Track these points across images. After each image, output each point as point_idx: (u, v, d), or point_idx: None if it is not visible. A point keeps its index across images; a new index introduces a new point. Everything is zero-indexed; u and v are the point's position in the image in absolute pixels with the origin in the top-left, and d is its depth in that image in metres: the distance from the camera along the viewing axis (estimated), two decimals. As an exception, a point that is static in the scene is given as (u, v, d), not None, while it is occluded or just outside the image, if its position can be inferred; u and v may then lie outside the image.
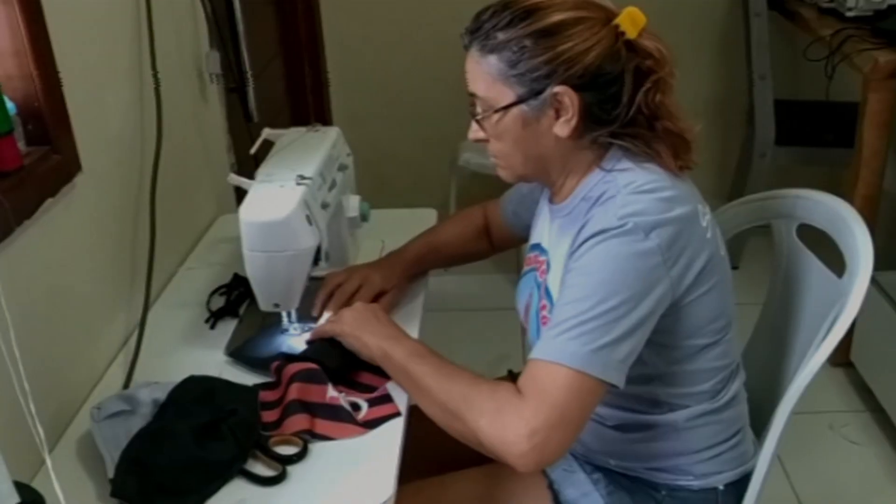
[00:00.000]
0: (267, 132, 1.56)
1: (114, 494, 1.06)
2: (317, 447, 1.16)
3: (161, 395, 1.20)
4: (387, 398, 1.25)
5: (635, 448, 1.30)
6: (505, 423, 1.07)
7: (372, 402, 1.24)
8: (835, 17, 2.61)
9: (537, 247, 1.35)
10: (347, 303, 1.41)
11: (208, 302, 1.52)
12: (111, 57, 1.42)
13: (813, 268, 1.43)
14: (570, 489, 1.33)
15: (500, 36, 1.13)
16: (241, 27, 2.03)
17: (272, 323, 1.43)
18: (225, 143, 1.96)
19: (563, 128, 1.15)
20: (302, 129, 1.58)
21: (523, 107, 1.15)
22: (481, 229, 1.60)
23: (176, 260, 1.66)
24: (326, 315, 1.41)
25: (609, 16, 1.14)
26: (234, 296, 1.53)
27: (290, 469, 1.12)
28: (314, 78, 3.05)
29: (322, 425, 1.19)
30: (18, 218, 1.09)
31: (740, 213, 1.54)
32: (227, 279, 1.59)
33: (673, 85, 1.17)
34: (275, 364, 1.29)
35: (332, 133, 1.57)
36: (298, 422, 1.18)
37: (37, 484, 1.05)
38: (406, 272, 1.52)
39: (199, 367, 1.31)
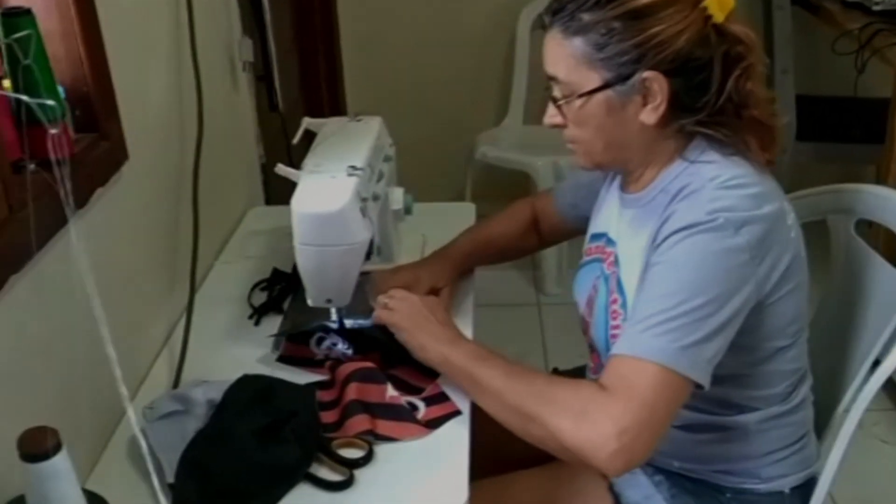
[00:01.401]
0: (307, 122, 1.51)
1: (175, 501, 1.00)
2: (381, 450, 1.11)
3: (216, 394, 1.14)
4: (443, 396, 1.20)
5: (702, 450, 1.26)
6: (591, 423, 1.02)
7: (429, 401, 1.20)
8: (860, 10, 2.57)
9: (602, 237, 1.30)
10: None
11: (249, 297, 1.47)
12: (152, 40, 1.36)
13: (876, 265, 1.39)
14: (631, 491, 1.28)
15: (586, 17, 1.08)
16: (267, 14, 1.97)
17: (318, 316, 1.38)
18: (254, 133, 1.90)
19: (650, 115, 1.10)
20: (343, 119, 1.53)
21: (609, 92, 1.10)
22: (529, 223, 1.55)
23: (211, 253, 1.61)
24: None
25: None
26: (276, 291, 1.48)
27: (357, 473, 1.07)
28: (329, 71, 2.99)
29: (384, 426, 1.14)
30: (72, 209, 1.03)
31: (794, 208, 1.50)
32: (265, 273, 1.54)
33: (762, 72, 1.13)
34: (328, 363, 1.25)
35: (375, 123, 1.52)
36: (360, 423, 1.13)
37: (90, 486, 0.99)
38: (455, 270, 1.47)
39: (249, 364, 1.26)
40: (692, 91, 1.09)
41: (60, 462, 0.81)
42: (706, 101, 1.09)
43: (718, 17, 1.09)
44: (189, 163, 1.40)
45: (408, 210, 1.54)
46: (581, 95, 1.11)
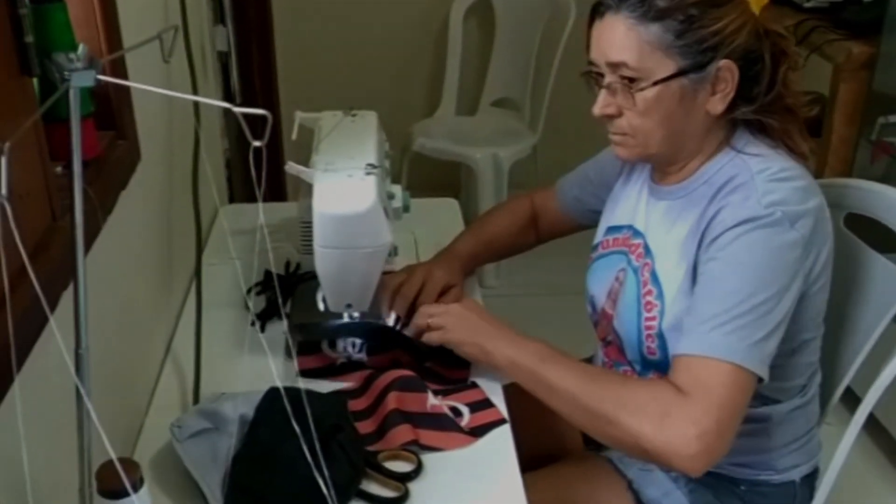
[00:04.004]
0: (301, 116, 1.44)
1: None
2: (427, 462, 1.07)
3: (247, 409, 1.07)
4: (487, 403, 1.17)
5: (723, 444, 1.28)
6: (672, 427, 1.02)
7: (473, 407, 1.16)
8: (791, 7, 2.66)
9: (624, 228, 1.29)
10: (413, 301, 1.33)
11: (246, 301, 1.39)
12: (146, 25, 1.26)
13: (868, 260, 1.42)
14: (650, 488, 1.29)
15: (662, 3, 1.06)
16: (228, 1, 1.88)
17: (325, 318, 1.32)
18: (219, 127, 1.80)
19: (717, 104, 1.10)
20: (338, 113, 1.47)
21: (683, 80, 1.08)
22: (528, 220, 1.53)
23: (193, 255, 1.51)
24: (392, 316, 1.31)
25: None
26: (274, 295, 1.41)
27: (409, 486, 1.03)
28: (262, 60, 2.87)
29: (427, 436, 1.10)
30: (104, 214, 0.95)
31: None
32: (254, 275, 1.46)
33: (801, 66, 1.15)
34: (367, 372, 1.19)
35: (371, 118, 1.46)
36: (403, 433, 1.09)
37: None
38: (464, 270, 1.43)
39: (265, 374, 1.17)
40: (750, 81, 1.10)
41: (144, 497, 0.74)
42: (758, 91, 1.10)
43: (755, 8, 1.10)
44: (186, 160, 1.31)
45: (406, 208, 1.48)
46: (657, 83, 1.08)
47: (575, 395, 1.09)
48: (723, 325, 1.03)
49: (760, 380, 1.06)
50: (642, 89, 1.09)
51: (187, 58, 1.34)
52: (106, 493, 0.72)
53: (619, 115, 1.13)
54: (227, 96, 1.95)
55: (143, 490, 0.74)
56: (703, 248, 1.11)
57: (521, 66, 3.12)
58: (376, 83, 3.21)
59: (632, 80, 1.09)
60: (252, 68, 2.82)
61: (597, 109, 1.14)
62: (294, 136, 1.38)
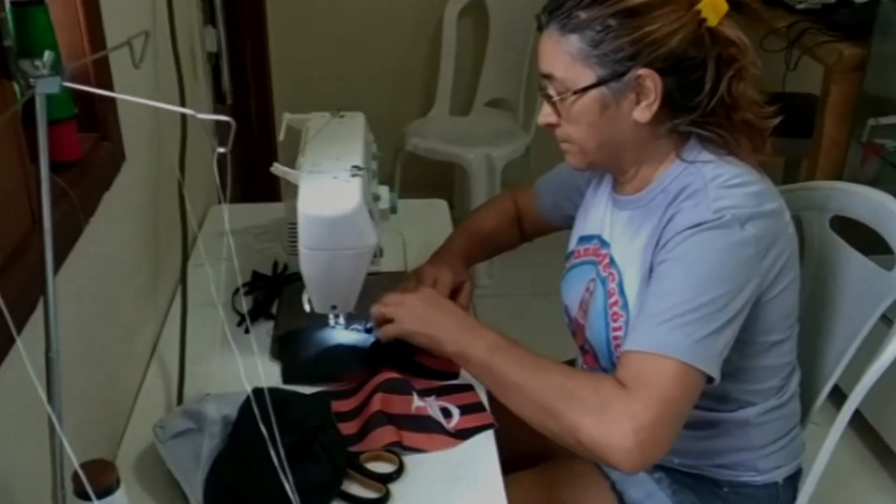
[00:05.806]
0: (288, 118, 1.45)
1: (209, 528, 0.95)
2: (409, 463, 1.08)
3: (230, 410, 1.08)
4: (480, 406, 1.18)
5: (702, 445, 1.28)
6: (610, 420, 1.01)
7: (464, 410, 1.17)
8: (784, 9, 2.66)
9: (593, 238, 1.30)
10: None
11: (233, 302, 1.40)
12: (130, 26, 1.27)
13: (853, 261, 1.43)
14: (633, 489, 1.29)
15: (583, 15, 1.07)
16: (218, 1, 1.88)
17: (315, 325, 1.32)
18: (210, 126, 1.80)
19: (643, 113, 1.10)
20: (326, 115, 1.47)
21: (603, 89, 1.09)
22: (514, 219, 1.54)
23: (179, 256, 1.51)
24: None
25: (692, 0, 1.10)
26: (262, 296, 1.41)
27: (390, 487, 1.03)
28: (256, 60, 2.88)
29: (411, 437, 1.11)
30: (86, 216, 0.95)
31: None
32: (240, 276, 1.47)
33: (755, 75, 1.14)
34: (360, 373, 1.21)
35: (359, 119, 1.47)
36: (386, 434, 1.09)
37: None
38: (465, 268, 1.44)
39: (249, 375, 1.18)
40: (686, 90, 1.09)
41: (121, 498, 0.75)
42: (699, 100, 1.10)
43: (712, 20, 1.09)
44: (173, 160, 1.31)
45: (393, 209, 1.49)
46: (576, 92, 1.10)
47: (520, 386, 1.09)
48: (669, 321, 1.03)
49: (711, 380, 1.06)
50: (564, 99, 1.11)
51: (174, 59, 1.34)
52: (82, 494, 0.73)
53: (559, 124, 1.15)
54: (219, 97, 1.95)
55: (120, 491, 0.75)
56: (656, 252, 1.12)
57: (515, 67, 3.13)
58: (370, 83, 3.22)
59: (560, 90, 1.12)
60: (245, 69, 2.82)
61: (540, 119, 1.17)
62: (281, 137, 1.39)
